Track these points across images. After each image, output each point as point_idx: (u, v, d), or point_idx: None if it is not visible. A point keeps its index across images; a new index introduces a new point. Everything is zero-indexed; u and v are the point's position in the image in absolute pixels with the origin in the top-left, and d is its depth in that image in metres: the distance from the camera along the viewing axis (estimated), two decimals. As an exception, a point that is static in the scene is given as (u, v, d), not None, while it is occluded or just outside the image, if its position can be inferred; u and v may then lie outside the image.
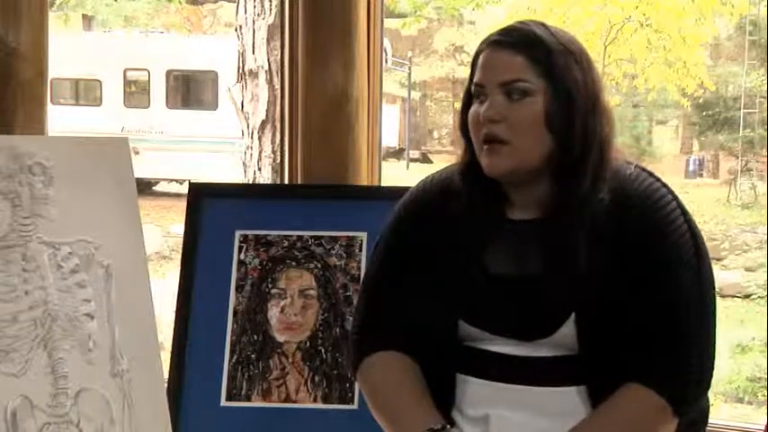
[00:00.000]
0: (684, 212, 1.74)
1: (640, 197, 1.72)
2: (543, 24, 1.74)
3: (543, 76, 1.69)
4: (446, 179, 1.84)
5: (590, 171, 1.70)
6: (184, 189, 3.70)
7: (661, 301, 1.69)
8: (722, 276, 8.90)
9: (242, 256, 2.42)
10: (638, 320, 1.69)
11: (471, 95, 1.75)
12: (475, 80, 1.74)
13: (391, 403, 1.79)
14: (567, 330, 1.70)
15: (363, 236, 2.40)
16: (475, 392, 1.77)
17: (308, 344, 2.36)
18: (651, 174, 1.77)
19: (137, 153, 11.01)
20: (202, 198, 2.48)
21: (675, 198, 1.75)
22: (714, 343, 1.73)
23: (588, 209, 1.69)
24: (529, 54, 1.69)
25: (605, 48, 11.43)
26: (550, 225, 1.72)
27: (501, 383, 1.75)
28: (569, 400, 1.72)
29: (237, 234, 2.43)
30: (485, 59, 1.73)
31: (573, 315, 1.70)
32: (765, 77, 12.72)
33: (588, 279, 1.69)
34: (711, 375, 1.73)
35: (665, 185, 1.76)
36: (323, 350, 2.35)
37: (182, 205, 2.64)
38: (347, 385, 2.31)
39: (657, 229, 1.71)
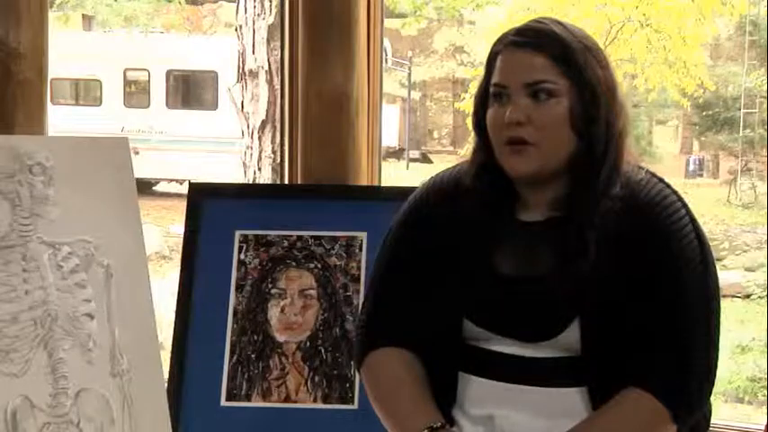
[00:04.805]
0: (693, 219, 1.74)
1: (650, 202, 1.72)
2: (559, 22, 1.72)
3: (566, 75, 1.67)
4: (456, 178, 1.83)
5: (609, 164, 1.70)
6: (184, 189, 3.70)
7: (665, 307, 1.69)
8: (722, 276, 8.79)
9: (242, 256, 2.42)
10: (642, 325, 1.69)
11: (486, 95, 1.73)
12: (495, 81, 1.71)
13: (391, 399, 1.79)
14: (572, 333, 1.70)
15: (363, 236, 2.40)
16: (477, 391, 1.77)
17: (308, 344, 2.36)
18: (661, 180, 1.77)
19: (137, 153, 10.99)
20: (202, 198, 2.48)
21: (684, 205, 1.75)
22: (717, 350, 1.72)
23: (602, 206, 1.68)
24: (550, 53, 1.67)
25: (605, 48, 11.40)
26: (564, 223, 1.71)
27: (503, 383, 1.74)
28: (570, 402, 1.72)
29: (237, 234, 2.43)
30: (505, 60, 1.71)
31: (577, 318, 1.70)
32: (765, 77, 12.69)
33: (594, 282, 1.68)
34: (713, 383, 1.73)
35: (675, 192, 1.76)
36: (323, 350, 2.35)
37: (182, 205, 2.64)
38: (347, 385, 2.31)
39: (664, 234, 1.70)
